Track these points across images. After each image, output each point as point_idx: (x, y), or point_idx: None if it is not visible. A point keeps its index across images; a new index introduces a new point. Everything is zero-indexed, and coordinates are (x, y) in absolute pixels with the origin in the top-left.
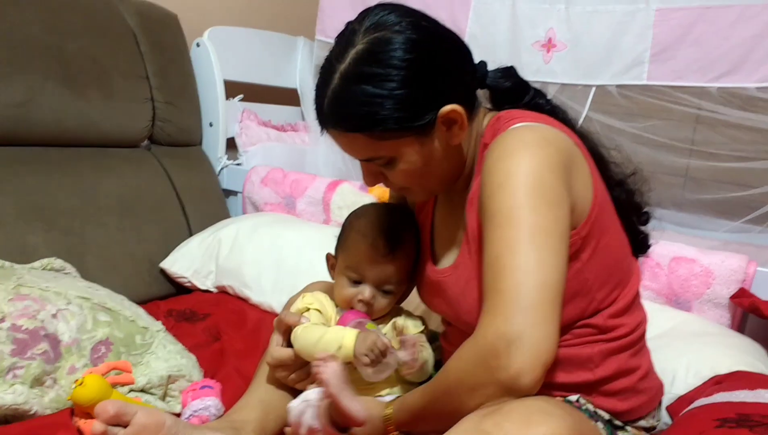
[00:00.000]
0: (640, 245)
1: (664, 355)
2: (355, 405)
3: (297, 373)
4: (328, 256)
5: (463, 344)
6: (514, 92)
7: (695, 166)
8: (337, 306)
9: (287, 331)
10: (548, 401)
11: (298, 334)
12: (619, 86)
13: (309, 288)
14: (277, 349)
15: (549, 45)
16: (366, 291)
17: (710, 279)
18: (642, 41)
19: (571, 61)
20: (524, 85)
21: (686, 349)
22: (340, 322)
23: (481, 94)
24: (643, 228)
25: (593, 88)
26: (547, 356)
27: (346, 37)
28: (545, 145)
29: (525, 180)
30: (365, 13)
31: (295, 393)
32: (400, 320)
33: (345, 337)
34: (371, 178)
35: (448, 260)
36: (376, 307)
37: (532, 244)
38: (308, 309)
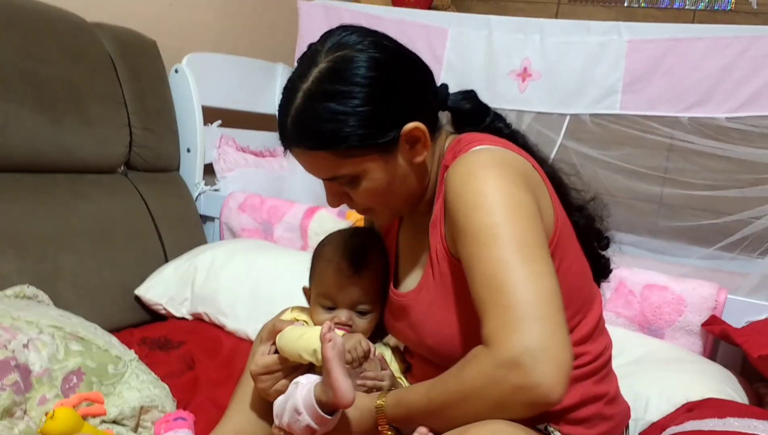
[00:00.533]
0: (601, 270)
1: (637, 381)
2: (346, 382)
3: (280, 384)
4: (305, 289)
5: (477, 356)
6: (475, 115)
7: (668, 193)
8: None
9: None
10: (516, 427)
11: (284, 332)
12: (592, 115)
13: (284, 315)
14: (262, 356)
15: (524, 74)
16: (342, 314)
17: (682, 306)
18: (615, 71)
19: (546, 90)
20: (484, 108)
21: (659, 376)
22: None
23: (443, 117)
24: (603, 253)
25: (567, 117)
26: (570, 364)
27: (308, 58)
28: (505, 166)
29: (498, 197)
30: (327, 35)
31: (270, 420)
32: (388, 354)
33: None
34: (335, 198)
35: (411, 283)
36: (356, 329)
37: (523, 258)
38: (296, 320)
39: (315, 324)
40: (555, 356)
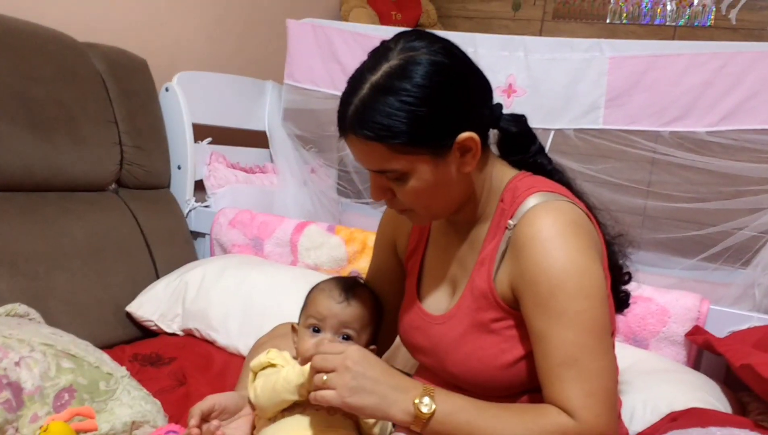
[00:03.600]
0: (620, 303)
1: (623, 392)
2: None
3: None
4: (293, 326)
5: (559, 419)
6: (521, 139)
7: (652, 206)
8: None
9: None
10: None
11: (258, 384)
12: (576, 130)
13: (277, 329)
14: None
15: (509, 90)
16: (326, 335)
17: (666, 317)
18: (597, 87)
19: (531, 106)
20: (530, 136)
21: (644, 387)
22: None
23: (492, 136)
24: (624, 287)
25: (552, 132)
26: None
27: (380, 53)
28: (579, 234)
29: (581, 279)
30: (401, 36)
31: None
32: None
33: (305, 368)
34: (378, 191)
35: (438, 305)
36: None
37: (604, 348)
38: (270, 364)
39: (299, 353)
40: None
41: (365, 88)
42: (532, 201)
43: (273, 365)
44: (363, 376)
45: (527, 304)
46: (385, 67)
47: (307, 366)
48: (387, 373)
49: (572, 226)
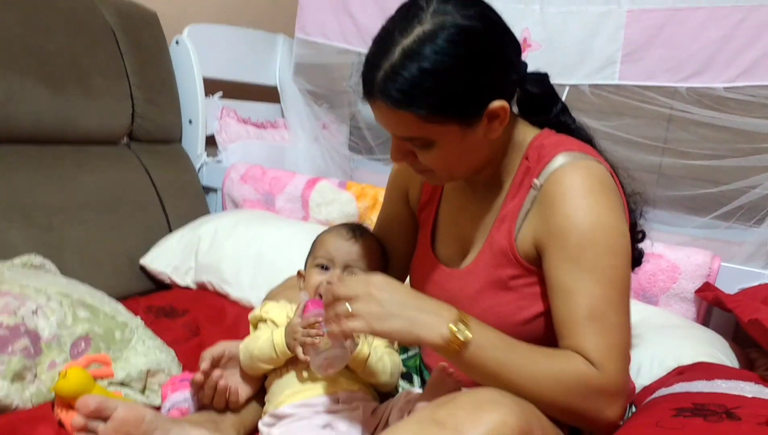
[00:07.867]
0: (633, 261)
1: (630, 347)
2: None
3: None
4: (299, 272)
5: (582, 367)
6: (543, 100)
7: (667, 163)
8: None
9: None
10: (498, 391)
11: (241, 349)
12: (591, 85)
13: (289, 281)
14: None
15: (524, 45)
16: (335, 274)
17: (676, 274)
18: (614, 41)
19: (546, 60)
20: (553, 96)
21: (652, 342)
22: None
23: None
24: (637, 245)
25: (567, 88)
26: None
27: (412, 12)
28: (609, 192)
29: (610, 237)
30: None
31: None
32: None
33: (275, 333)
34: (399, 154)
35: (454, 260)
36: None
37: (625, 303)
38: (262, 319)
39: (308, 286)
40: (625, 399)
41: (396, 52)
42: (560, 159)
43: (264, 320)
44: (389, 302)
45: (552, 257)
46: (417, 31)
47: (275, 334)
48: (414, 296)
49: (601, 184)
